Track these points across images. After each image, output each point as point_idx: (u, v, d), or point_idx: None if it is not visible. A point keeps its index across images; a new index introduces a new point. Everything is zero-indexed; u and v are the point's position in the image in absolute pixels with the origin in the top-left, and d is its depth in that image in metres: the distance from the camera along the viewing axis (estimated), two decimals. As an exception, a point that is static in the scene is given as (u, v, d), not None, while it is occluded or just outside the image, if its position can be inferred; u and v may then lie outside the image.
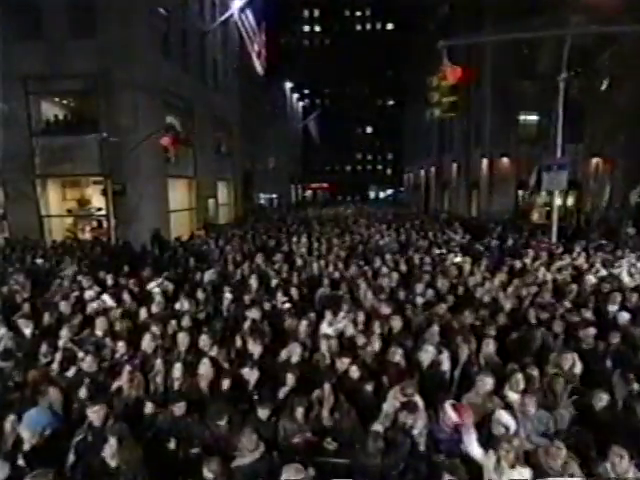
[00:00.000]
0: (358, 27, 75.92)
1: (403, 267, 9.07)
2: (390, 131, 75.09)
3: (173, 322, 5.72)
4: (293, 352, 4.89)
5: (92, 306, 6.51)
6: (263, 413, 3.87)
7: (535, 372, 4.45)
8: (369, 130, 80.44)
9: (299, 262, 9.90)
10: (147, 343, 5.13)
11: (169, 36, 17.40)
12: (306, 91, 68.43)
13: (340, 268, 9.17)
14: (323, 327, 5.76)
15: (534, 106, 20.99)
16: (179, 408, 3.90)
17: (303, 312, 6.35)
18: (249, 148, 32.25)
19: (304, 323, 5.54)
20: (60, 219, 17.14)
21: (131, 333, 5.65)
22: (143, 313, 6.26)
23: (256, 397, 4.22)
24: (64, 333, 5.46)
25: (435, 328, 5.34)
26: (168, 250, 13.19)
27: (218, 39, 23.58)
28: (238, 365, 4.83)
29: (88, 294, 7.00)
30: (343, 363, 4.55)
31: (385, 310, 5.93)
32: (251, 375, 4.53)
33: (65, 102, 17.02)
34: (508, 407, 3.98)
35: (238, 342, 5.30)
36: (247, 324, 5.76)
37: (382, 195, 77.40)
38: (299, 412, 3.82)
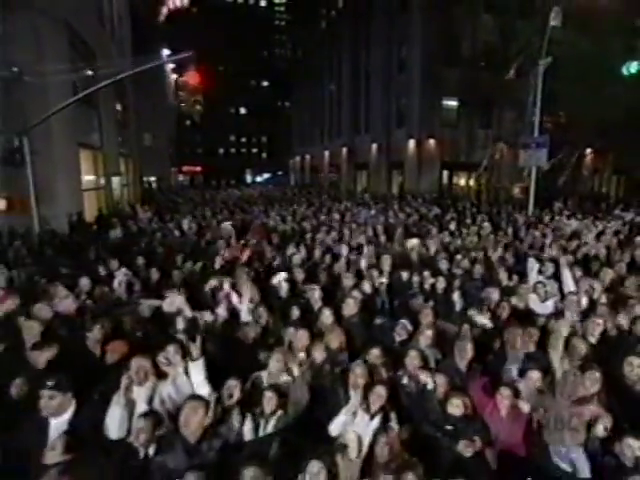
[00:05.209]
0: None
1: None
2: (265, 114, 73.18)
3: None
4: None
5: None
6: None
7: None
8: (243, 111, 76.97)
9: (317, 253, 7.46)
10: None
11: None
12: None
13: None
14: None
15: (454, 92, 22.24)
16: None
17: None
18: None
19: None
20: None
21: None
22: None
23: None
24: None
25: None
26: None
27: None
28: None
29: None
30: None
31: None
32: None
33: None
34: None
35: None
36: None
37: (259, 179, 75.19)
38: None
